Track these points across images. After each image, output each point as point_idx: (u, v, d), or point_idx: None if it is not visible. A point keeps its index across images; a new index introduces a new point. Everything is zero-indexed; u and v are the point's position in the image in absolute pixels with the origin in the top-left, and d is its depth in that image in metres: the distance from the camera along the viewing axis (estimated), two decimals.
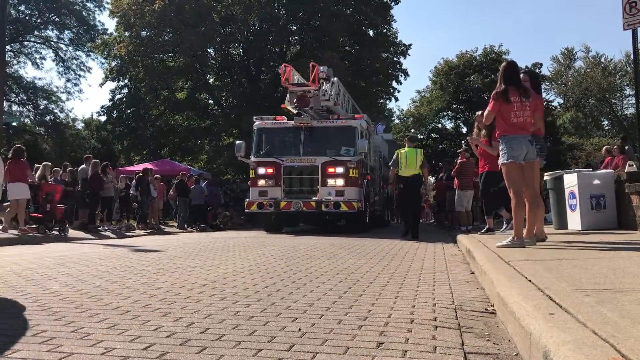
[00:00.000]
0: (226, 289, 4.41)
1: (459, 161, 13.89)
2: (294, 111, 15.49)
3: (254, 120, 16.59)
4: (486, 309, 3.60)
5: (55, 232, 12.95)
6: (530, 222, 6.47)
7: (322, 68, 15.76)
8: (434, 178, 34.77)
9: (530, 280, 3.61)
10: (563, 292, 3.09)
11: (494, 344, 2.75)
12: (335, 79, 17.12)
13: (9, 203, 12.60)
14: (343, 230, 15.60)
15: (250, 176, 16.18)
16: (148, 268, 5.97)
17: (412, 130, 43.88)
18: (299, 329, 2.97)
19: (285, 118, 16.69)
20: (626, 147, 13.84)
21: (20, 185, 12.29)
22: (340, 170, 14.99)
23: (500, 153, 6.46)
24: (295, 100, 15.33)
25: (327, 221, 16.82)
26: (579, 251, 5.76)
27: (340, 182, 14.97)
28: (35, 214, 13.13)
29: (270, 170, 15.43)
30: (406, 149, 12.32)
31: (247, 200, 15.80)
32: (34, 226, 12.81)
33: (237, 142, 16.88)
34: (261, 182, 15.50)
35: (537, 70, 40.92)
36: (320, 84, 15.42)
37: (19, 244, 10.72)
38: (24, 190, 12.41)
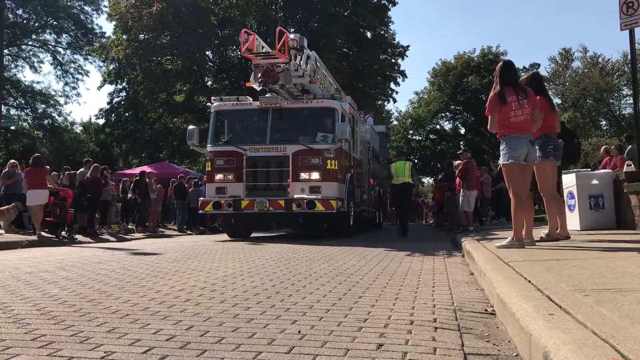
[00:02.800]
0: (225, 291, 4.41)
1: (462, 161, 13.87)
2: (258, 88, 12.74)
3: (212, 101, 13.95)
4: (486, 310, 3.60)
5: (65, 236, 13.19)
6: (551, 219, 6.42)
7: (292, 35, 13.20)
8: (432, 179, 34.84)
9: (529, 281, 3.61)
10: (562, 292, 3.09)
11: (494, 344, 2.75)
12: (313, 53, 14.64)
13: (6, 207, 12.77)
14: (322, 235, 13.11)
15: (206, 169, 13.66)
16: (147, 271, 5.97)
17: (403, 145, 43.87)
18: (299, 332, 2.97)
19: (251, 99, 13.49)
20: (629, 147, 13.75)
21: (39, 191, 12.65)
22: (315, 161, 12.31)
23: (501, 154, 6.43)
24: (260, 75, 12.31)
25: (309, 224, 13.42)
26: (578, 251, 5.76)
27: (315, 175, 12.32)
28: (48, 219, 13.23)
29: (230, 162, 12.67)
30: (398, 162, 14.48)
31: (201, 199, 13.37)
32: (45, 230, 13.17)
33: (190, 127, 13.94)
34: (219, 176, 12.79)
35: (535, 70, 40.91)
36: (291, 56, 12.71)
37: (37, 246, 11.21)
38: (43, 196, 12.72)
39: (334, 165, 12.45)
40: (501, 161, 6.44)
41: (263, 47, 13.30)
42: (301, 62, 13.28)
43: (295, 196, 12.17)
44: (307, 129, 12.99)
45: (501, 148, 6.42)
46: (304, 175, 12.34)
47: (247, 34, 12.85)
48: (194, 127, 14.01)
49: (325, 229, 13.63)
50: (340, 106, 13.09)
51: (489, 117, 6.44)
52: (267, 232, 15.82)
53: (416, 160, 45.38)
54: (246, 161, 12.54)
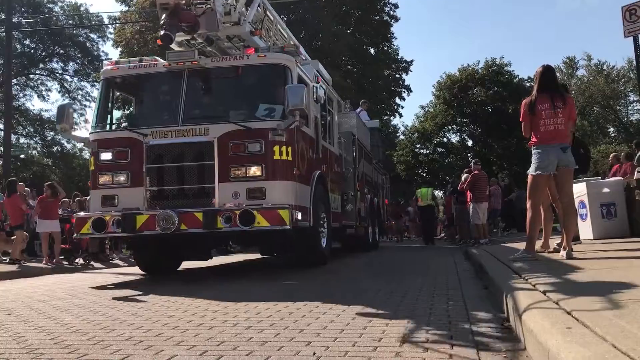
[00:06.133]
0: (238, 314, 4.39)
1: (471, 174, 13.83)
2: (161, 33, 7.66)
3: (104, 65, 9.23)
4: (502, 325, 3.56)
5: (81, 262, 13.31)
6: (567, 231, 6.32)
7: None
8: (442, 192, 34.75)
9: (545, 294, 3.57)
10: (580, 305, 3.05)
11: None
12: None
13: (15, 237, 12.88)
14: (280, 265, 10.18)
15: (90, 168, 8.56)
16: (159, 296, 5.95)
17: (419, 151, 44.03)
18: (314, 353, 2.94)
19: (159, 59, 8.90)
20: (639, 154, 13.62)
21: (51, 222, 12.78)
22: (255, 147, 7.66)
23: (532, 161, 6.34)
24: (165, 17, 7.66)
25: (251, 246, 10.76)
26: (593, 261, 5.70)
27: (254, 170, 7.65)
28: (63, 245, 13.31)
29: (122, 156, 8.03)
30: (422, 188, 19.87)
31: (79, 215, 8.62)
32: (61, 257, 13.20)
33: (60, 104, 8.82)
34: (105, 178, 8.08)
35: None
36: None
37: (51, 273, 11.31)
38: (55, 225, 12.83)
39: (286, 155, 7.81)
40: (529, 170, 6.37)
41: None
42: (237, 2, 8.88)
43: (224, 206, 7.44)
44: (243, 99, 8.49)
45: (532, 157, 6.34)
46: (237, 172, 7.62)
47: None
48: (67, 103, 8.97)
49: (279, 253, 10.72)
50: (296, 64, 8.38)
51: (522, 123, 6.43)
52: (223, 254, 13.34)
53: (424, 174, 45.31)
54: (148, 153, 7.82)
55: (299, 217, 7.78)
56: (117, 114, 9.54)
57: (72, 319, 4.50)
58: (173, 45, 8.38)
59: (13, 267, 11.35)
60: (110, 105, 8.94)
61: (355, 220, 12.45)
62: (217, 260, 11.88)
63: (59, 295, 6.48)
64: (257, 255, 13.52)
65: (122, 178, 8.02)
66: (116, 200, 7.99)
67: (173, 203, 7.69)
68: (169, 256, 9.46)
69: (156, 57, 9.08)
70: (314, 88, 8.97)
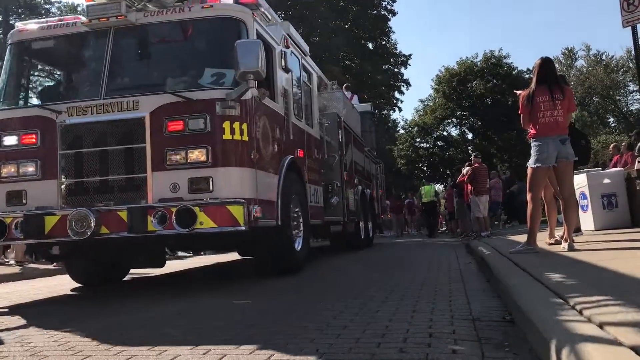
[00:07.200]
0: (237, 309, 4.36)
1: (472, 167, 13.83)
2: None
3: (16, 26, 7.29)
4: (504, 318, 3.57)
5: None
6: (568, 223, 6.32)
7: None
8: (442, 186, 34.76)
9: (547, 286, 3.58)
10: (582, 296, 3.05)
11: (515, 354, 2.72)
12: None
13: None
14: (249, 273, 8.21)
15: None
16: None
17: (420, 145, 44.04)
18: (317, 350, 2.94)
19: (82, 18, 6.70)
20: (639, 144, 13.60)
21: None
22: (197, 124, 5.92)
23: (531, 154, 6.34)
24: None
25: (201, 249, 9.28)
26: (595, 253, 5.71)
27: (197, 154, 5.90)
28: None
29: (29, 139, 6.32)
30: (426, 186, 22.47)
31: None
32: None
33: None
34: (9, 169, 6.35)
35: None
36: None
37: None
38: None
39: (240, 134, 6.05)
40: (528, 163, 6.37)
41: None
42: None
43: (157, 201, 5.80)
44: (185, 64, 6.64)
45: (531, 149, 6.34)
46: (175, 157, 5.87)
47: None
48: None
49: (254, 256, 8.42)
50: (254, 19, 6.55)
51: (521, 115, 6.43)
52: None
53: (425, 168, 45.34)
54: (62, 135, 6.13)
55: (259, 214, 5.94)
56: (27, 87, 7.42)
57: (78, 322, 4.47)
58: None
59: None
60: (19, 76, 7.06)
61: (343, 215, 10.66)
62: (180, 264, 10.53)
63: (62, 299, 6.44)
64: (235, 256, 11.48)
65: (30, 168, 6.25)
66: (24, 197, 6.24)
67: (95, 199, 5.97)
68: (109, 264, 7.62)
69: (79, 16, 6.97)
70: (282, 53, 7.34)
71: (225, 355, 2.94)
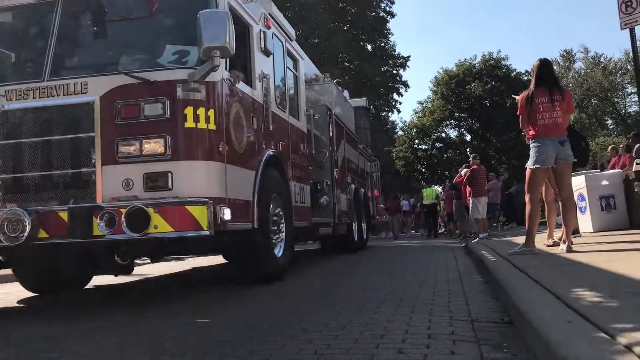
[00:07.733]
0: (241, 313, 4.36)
1: (470, 168, 13.81)
2: None
3: None
4: (502, 319, 3.57)
5: None
6: (567, 224, 6.32)
7: None
8: (441, 187, 34.79)
9: (545, 288, 3.59)
10: (581, 297, 3.06)
11: (513, 355, 2.73)
12: None
13: None
14: (227, 280, 7.24)
15: None
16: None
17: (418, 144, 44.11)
18: (315, 351, 2.94)
19: None
20: (637, 145, 13.59)
21: None
22: (154, 109, 4.94)
23: (530, 155, 6.34)
24: None
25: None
26: (593, 254, 5.72)
27: (154, 144, 4.90)
28: None
29: None
30: (427, 189, 23.55)
31: None
32: None
33: None
34: None
35: None
36: None
37: None
38: None
39: (206, 121, 5.15)
40: (527, 164, 6.37)
41: None
42: None
43: (108, 199, 4.91)
44: (142, 40, 5.71)
45: (530, 150, 6.34)
46: (128, 148, 4.96)
47: None
48: None
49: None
50: None
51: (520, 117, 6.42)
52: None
53: (423, 170, 45.33)
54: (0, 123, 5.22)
55: (227, 216, 5.05)
56: None
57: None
58: None
59: None
60: None
61: (333, 216, 9.86)
62: (150, 269, 9.60)
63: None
64: (219, 259, 10.60)
65: None
66: None
67: (36, 197, 5.04)
68: (68, 270, 6.63)
69: None
70: (261, 33, 6.52)
71: (225, 356, 2.94)
